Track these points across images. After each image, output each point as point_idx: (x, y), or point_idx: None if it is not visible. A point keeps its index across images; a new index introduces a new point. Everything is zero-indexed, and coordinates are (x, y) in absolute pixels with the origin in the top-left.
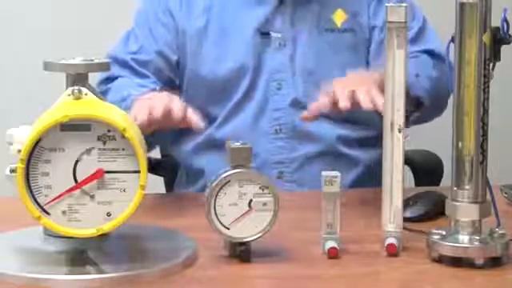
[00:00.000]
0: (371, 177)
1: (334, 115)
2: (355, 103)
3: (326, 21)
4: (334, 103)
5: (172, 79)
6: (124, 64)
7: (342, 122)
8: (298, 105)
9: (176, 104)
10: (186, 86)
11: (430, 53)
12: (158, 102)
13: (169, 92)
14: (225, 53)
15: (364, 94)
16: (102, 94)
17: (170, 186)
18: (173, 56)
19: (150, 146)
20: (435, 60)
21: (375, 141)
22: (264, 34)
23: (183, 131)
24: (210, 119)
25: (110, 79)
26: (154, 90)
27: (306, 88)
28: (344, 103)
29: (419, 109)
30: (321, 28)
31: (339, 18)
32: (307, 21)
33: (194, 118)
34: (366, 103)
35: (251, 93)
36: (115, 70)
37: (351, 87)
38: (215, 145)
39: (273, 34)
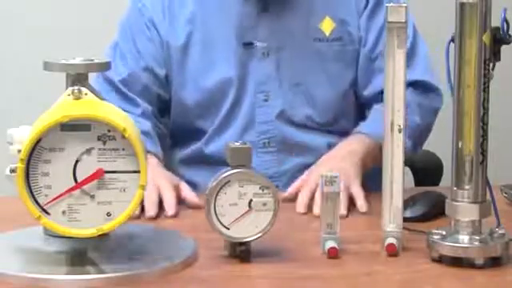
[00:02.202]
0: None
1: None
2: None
3: (314, 30)
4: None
5: (161, 96)
6: (112, 86)
7: (331, 131)
8: (285, 116)
9: (166, 194)
10: (173, 100)
11: (417, 84)
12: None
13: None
14: (209, 65)
15: (342, 192)
16: None
17: None
18: (161, 71)
19: None
20: (422, 92)
21: None
22: (247, 44)
23: (174, 144)
24: (199, 134)
25: None
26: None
27: (293, 99)
28: (302, 209)
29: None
30: (309, 37)
31: (327, 26)
32: (293, 29)
33: (189, 196)
34: (343, 207)
35: (238, 105)
36: (104, 90)
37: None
38: (204, 160)
39: (257, 44)
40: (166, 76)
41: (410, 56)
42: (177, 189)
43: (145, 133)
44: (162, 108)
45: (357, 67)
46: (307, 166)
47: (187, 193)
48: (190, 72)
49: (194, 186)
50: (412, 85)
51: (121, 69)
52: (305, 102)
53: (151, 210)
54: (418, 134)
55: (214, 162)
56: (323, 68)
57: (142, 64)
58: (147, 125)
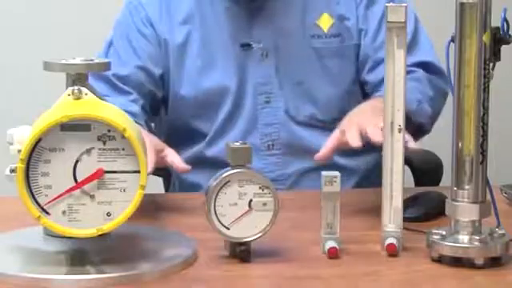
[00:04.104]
0: (369, 183)
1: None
2: (364, 139)
3: (311, 26)
4: (345, 143)
5: (154, 93)
6: (105, 79)
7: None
8: (289, 117)
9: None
10: (170, 100)
11: (425, 65)
12: None
13: (148, 121)
14: (207, 66)
15: (372, 129)
16: None
17: (169, 186)
18: (156, 70)
19: None
20: (430, 74)
21: (370, 147)
22: (244, 45)
23: (173, 146)
24: (198, 136)
25: None
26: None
27: (295, 99)
28: (355, 143)
29: (421, 134)
30: (306, 34)
31: (325, 22)
32: (290, 27)
33: (175, 160)
34: (374, 136)
35: (239, 108)
36: (96, 85)
37: (359, 125)
38: (206, 162)
39: (254, 45)
40: (162, 75)
41: (415, 37)
42: (160, 152)
43: (132, 113)
44: (154, 106)
45: (358, 61)
46: (311, 169)
47: (174, 157)
48: (187, 71)
49: (195, 187)
50: (419, 66)
51: (115, 67)
52: (307, 101)
53: None
54: (434, 109)
55: (216, 165)
56: (322, 65)
57: (137, 62)
58: (136, 108)
